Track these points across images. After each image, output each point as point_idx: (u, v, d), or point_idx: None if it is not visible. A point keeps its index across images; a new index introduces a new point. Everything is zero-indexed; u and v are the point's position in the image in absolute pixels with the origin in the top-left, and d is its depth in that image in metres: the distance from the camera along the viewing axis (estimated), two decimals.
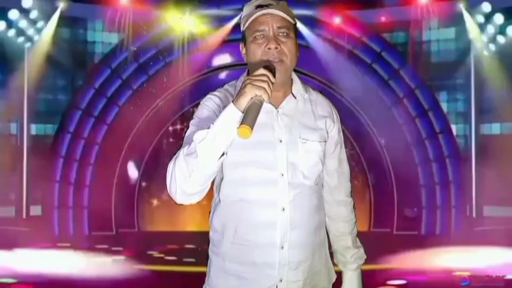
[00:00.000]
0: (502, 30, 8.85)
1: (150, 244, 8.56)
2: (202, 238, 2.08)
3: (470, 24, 8.87)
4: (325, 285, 1.97)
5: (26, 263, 6.77)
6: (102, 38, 9.76)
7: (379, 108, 9.50)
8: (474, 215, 9.14)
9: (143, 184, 9.89)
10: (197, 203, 1.77)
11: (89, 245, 8.21)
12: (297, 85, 1.92)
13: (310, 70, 9.53)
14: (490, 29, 8.87)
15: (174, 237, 9.04)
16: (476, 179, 9.18)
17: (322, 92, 2.04)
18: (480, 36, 8.93)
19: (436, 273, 6.20)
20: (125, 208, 9.49)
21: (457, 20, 9.08)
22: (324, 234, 1.96)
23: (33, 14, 8.78)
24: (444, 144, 9.38)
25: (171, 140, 10.02)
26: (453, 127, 9.58)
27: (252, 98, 1.64)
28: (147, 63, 9.49)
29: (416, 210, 9.54)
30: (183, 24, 9.23)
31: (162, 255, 7.91)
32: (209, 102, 1.86)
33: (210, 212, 1.95)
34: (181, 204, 1.77)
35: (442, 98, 9.76)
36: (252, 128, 1.60)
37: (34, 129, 9.45)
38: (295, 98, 1.89)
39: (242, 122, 1.60)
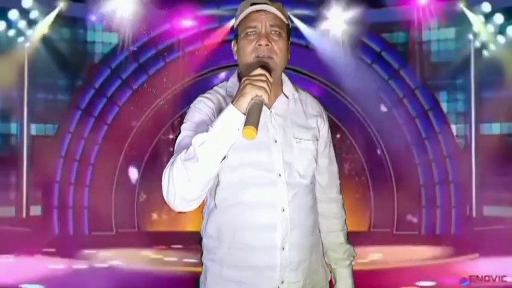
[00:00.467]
0: (502, 30, 8.85)
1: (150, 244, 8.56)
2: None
3: (472, 22, 8.86)
4: (323, 284, 1.97)
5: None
6: (102, 38, 9.75)
7: (379, 108, 9.50)
8: (474, 215, 9.14)
9: (143, 184, 9.87)
10: None
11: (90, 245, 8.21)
12: (288, 85, 1.92)
13: (310, 70, 9.55)
14: (490, 29, 8.86)
15: (174, 237, 9.04)
16: (476, 179, 9.17)
17: (309, 92, 2.03)
18: (481, 36, 8.93)
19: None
20: (125, 208, 9.49)
21: (457, 20, 9.07)
22: (318, 234, 1.97)
23: (33, 14, 8.77)
24: (444, 144, 9.38)
25: (171, 139, 10.01)
26: (453, 127, 9.58)
27: (252, 99, 1.63)
28: (147, 63, 9.49)
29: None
30: (183, 24, 9.22)
31: (160, 256, 7.91)
32: (201, 105, 1.83)
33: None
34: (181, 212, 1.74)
35: (442, 98, 9.75)
36: (257, 128, 1.57)
37: (34, 129, 9.44)
38: (287, 97, 1.88)
39: (246, 123, 1.58)
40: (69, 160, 9.24)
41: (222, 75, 9.88)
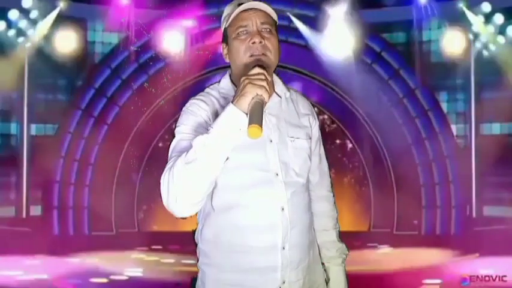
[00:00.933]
0: (502, 30, 8.85)
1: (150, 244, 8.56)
2: None
3: (472, 22, 8.86)
4: (321, 281, 1.98)
5: None
6: (102, 38, 9.75)
7: (379, 108, 9.50)
8: (474, 215, 9.14)
9: (143, 184, 9.87)
10: None
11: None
12: (279, 84, 1.92)
13: (310, 70, 9.55)
14: (490, 29, 8.86)
15: (174, 238, 9.03)
16: (476, 179, 9.17)
17: (298, 90, 2.04)
18: (481, 36, 8.93)
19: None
20: (125, 208, 9.49)
21: (457, 20, 9.06)
22: (313, 232, 1.97)
23: (33, 14, 8.77)
24: (444, 144, 9.38)
25: (171, 140, 10.00)
26: (453, 127, 9.57)
27: (253, 98, 1.62)
28: (147, 63, 9.49)
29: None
30: (183, 24, 9.22)
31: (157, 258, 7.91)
32: (194, 108, 1.82)
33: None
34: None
35: (442, 98, 9.75)
36: (261, 127, 1.57)
37: (34, 129, 9.44)
38: (279, 97, 1.88)
39: (250, 122, 1.57)
40: (69, 160, 9.23)
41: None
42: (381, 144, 9.72)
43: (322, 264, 2.02)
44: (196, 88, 9.38)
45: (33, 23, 8.84)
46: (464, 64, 9.26)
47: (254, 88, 1.63)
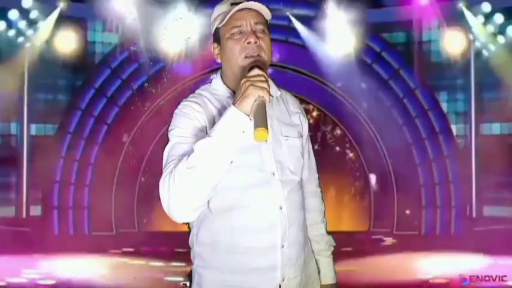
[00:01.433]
0: (502, 30, 8.84)
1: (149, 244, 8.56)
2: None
3: (472, 22, 8.85)
4: (315, 275, 2.02)
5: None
6: (102, 38, 9.75)
7: (379, 108, 9.50)
8: (474, 215, 9.14)
9: (143, 184, 9.86)
10: None
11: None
12: (272, 84, 1.91)
13: (310, 70, 9.55)
14: (490, 28, 8.86)
15: (175, 237, 9.02)
16: (476, 179, 9.17)
17: (287, 89, 2.05)
18: (480, 36, 8.93)
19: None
20: (125, 208, 9.49)
21: (457, 20, 9.05)
22: (306, 228, 1.99)
23: (33, 14, 8.77)
24: (444, 144, 9.38)
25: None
26: (453, 127, 9.57)
27: (255, 100, 1.63)
28: (147, 63, 9.48)
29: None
30: (183, 24, 9.21)
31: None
32: (188, 110, 1.81)
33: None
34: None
35: (442, 98, 9.75)
36: (267, 129, 1.58)
37: (34, 129, 9.44)
38: (271, 96, 1.89)
39: (256, 126, 1.57)
40: (69, 160, 9.23)
41: None
42: (381, 144, 9.72)
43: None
44: (196, 88, 9.37)
45: (33, 23, 8.84)
46: (464, 64, 9.26)
47: (256, 90, 1.62)
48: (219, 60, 1.89)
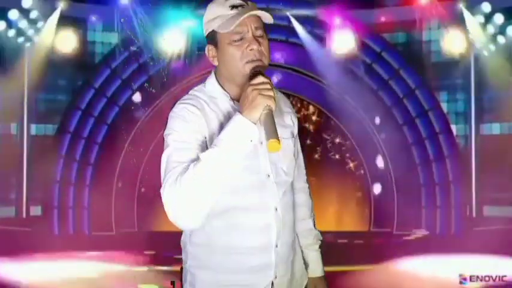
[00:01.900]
0: (502, 30, 8.83)
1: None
2: None
3: (471, 23, 8.85)
4: (303, 271, 2.05)
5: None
6: (102, 38, 9.75)
7: (379, 108, 9.50)
8: (474, 215, 9.14)
9: (143, 184, 9.87)
10: None
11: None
12: None
13: (310, 70, 9.54)
14: (490, 29, 8.86)
15: (174, 237, 9.02)
16: (476, 179, 9.17)
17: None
18: (480, 36, 8.92)
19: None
20: (125, 208, 9.49)
21: (457, 20, 9.05)
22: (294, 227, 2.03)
23: (33, 14, 8.76)
24: (444, 144, 9.38)
25: None
26: (453, 127, 9.57)
27: (263, 109, 1.63)
28: (147, 63, 9.49)
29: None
30: (183, 24, 9.21)
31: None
32: (185, 113, 1.79)
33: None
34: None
35: (442, 98, 9.74)
36: (279, 140, 1.59)
37: (34, 129, 9.44)
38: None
39: (269, 137, 1.58)
40: (69, 160, 9.24)
41: None
42: (381, 144, 9.72)
43: (302, 252, 2.09)
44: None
45: (33, 23, 8.84)
46: (464, 64, 9.26)
47: (264, 99, 1.62)
48: (215, 63, 1.86)
